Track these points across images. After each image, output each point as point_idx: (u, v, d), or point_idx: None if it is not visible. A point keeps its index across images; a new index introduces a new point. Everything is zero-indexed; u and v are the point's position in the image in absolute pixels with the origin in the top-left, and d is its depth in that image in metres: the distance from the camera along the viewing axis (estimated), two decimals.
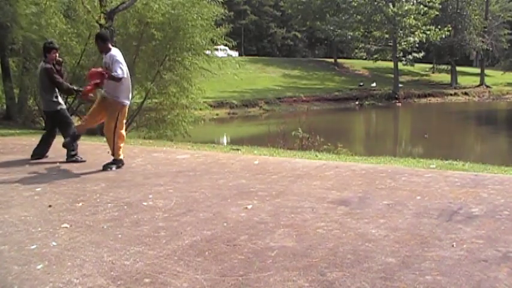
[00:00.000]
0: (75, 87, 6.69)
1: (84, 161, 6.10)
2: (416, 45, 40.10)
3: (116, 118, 5.56)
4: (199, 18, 12.06)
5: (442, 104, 37.85)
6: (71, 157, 6.13)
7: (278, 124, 11.06)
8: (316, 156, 6.85)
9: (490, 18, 48.38)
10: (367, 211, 3.62)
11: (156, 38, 12.21)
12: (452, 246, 2.85)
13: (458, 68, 46.87)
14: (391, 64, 42.15)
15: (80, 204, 4.03)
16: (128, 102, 5.70)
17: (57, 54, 6.47)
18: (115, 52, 5.51)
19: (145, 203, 4.01)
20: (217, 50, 15.10)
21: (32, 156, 6.29)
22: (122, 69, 5.36)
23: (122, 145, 5.68)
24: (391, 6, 38.56)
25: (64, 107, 6.55)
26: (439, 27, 39.25)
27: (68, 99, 13.15)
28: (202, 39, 12.41)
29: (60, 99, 6.44)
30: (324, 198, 4.03)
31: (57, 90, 6.35)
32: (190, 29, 11.88)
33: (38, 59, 13.01)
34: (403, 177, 4.79)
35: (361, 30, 42.64)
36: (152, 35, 12.13)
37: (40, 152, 6.35)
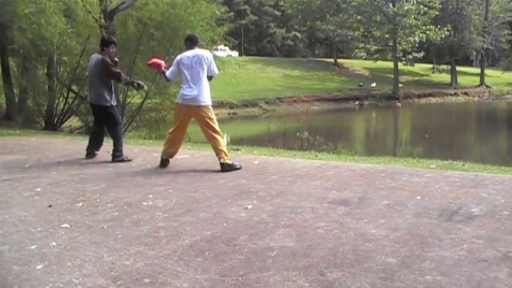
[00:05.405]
0: (135, 81, 6.43)
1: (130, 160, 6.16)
2: (416, 45, 40.11)
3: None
4: (198, 18, 12.03)
5: (442, 104, 37.85)
6: (117, 157, 6.09)
7: (278, 124, 11.03)
8: (316, 156, 6.85)
9: (490, 18, 48.38)
10: (367, 211, 3.61)
11: (156, 38, 12.20)
12: (452, 246, 2.85)
13: (458, 68, 46.87)
14: (391, 64, 42.15)
15: (80, 204, 4.03)
16: (178, 101, 5.69)
17: (115, 49, 6.36)
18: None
19: (145, 203, 4.01)
20: (217, 50, 15.06)
21: (86, 155, 6.25)
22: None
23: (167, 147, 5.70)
24: (391, 6, 38.57)
25: (115, 104, 6.29)
26: (439, 27, 39.24)
27: (68, 100, 13.24)
28: (202, 39, 12.38)
29: (113, 97, 6.21)
30: (324, 198, 4.02)
31: (112, 88, 6.19)
32: (189, 30, 11.85)
33: (38, 59, 13.07)
34: (403, 177, 4.78)
35: (361, 30, 42.62)
36: (152, 34, 12.12)
37: (93, 149, 6.30)
